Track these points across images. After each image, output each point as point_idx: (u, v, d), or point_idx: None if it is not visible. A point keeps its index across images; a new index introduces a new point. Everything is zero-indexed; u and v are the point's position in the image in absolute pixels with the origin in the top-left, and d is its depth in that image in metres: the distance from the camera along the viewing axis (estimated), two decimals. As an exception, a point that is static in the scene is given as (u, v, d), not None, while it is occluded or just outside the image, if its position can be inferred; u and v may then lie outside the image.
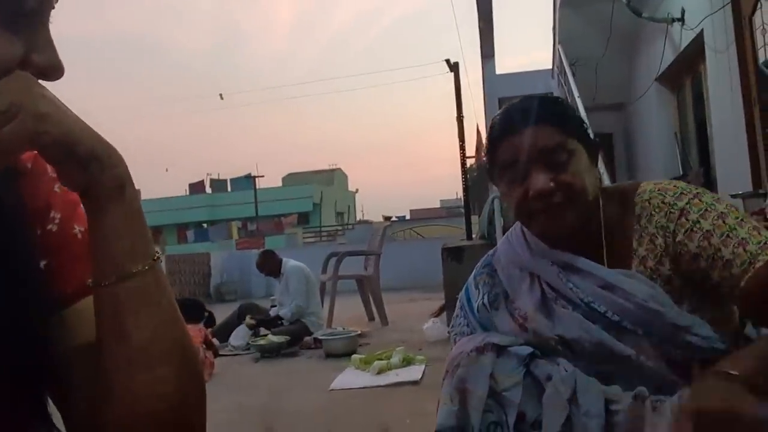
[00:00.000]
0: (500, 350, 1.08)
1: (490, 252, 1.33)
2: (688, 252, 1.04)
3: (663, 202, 1.09)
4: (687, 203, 1.06)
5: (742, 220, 1.01)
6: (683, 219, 1.05)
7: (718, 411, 0.78)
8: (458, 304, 1.34)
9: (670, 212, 1.07)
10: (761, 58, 4.01)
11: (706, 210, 1.04)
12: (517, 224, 1.27)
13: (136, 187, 0.60)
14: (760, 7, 3.92)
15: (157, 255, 0.59)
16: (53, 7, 0.56)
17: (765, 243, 0.97)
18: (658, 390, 1.02)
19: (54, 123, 0.52)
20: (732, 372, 0.82)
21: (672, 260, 1.07)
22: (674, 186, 1.11)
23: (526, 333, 1.15)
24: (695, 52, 5.13)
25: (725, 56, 4.33)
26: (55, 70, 0.55)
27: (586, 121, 1.22)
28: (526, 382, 1.06)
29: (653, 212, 1.09)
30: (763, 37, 3.93)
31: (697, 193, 1.08)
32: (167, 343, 0.58)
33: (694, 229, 1.03)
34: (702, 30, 4.71)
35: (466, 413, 1.06)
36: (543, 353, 1.12)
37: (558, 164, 1.10)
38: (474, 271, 1.34)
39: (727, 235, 0.99)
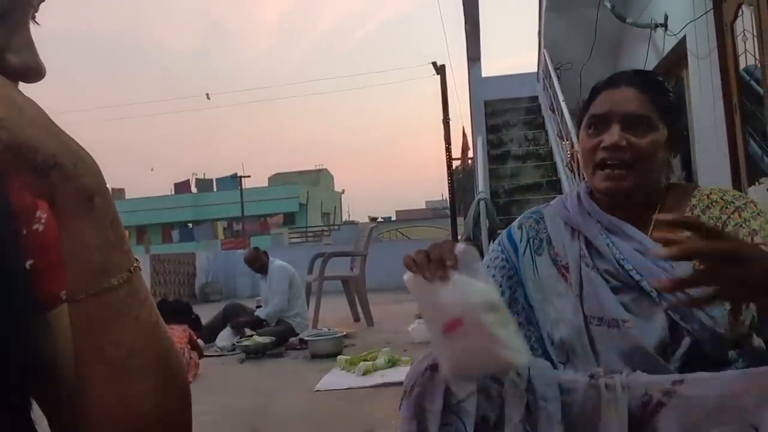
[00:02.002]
0: None
1: (542, 204, 1.42)
2: None
3: (722, 198, 1.19)
4: (744, 204, 1.16)
5: None
6: (736, 215, 1.15)
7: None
8: (496, 242, 1.41)
9: (726, 207, 1.17)
10: (742, 64, 4.08)
11: (758, 214, 1.14)
12: (575, 187, 1.38)
13: (122, 186, 0.57)
14: (742, 14, 3.99)
15: (135, 265, 0.56)
16: (35, 8, 0.54)
17: None
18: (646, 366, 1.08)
19: (5, 127, 0.48)
20: None
21: None
22: (734, 191, 1.22)
23: (566, 282, 1.24)
24: (678, 57, 5.20)
25: (707, 62, 4.39)
26: (33, 72, 0.54)
27: (685, 116, 1.29)
28: (486, 385, 1.07)
29: (710, 205, 1.19)
30: (744, 43, 3.99)
31: (754, 200, 1.19)
32: (146, 358, 0.55)
33: (743, 225, 1.12)
34: (684, 36, 4.77)
35: (426, 430, 1.08)
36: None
37: (637, 130, 1.19)
38: (519, 217, 1.42)
39: None
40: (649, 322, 1.13)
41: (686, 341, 1.10)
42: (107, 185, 0.56)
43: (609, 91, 1.24)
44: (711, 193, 1.20)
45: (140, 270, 0.57)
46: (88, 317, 0.53)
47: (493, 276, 1.33)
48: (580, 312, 1.19)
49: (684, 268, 1.10)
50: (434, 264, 0.98)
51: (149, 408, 0.54)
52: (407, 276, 1.03)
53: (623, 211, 1.23)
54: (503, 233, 1.41)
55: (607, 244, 1.20)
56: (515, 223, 1.40)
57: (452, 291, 0.98)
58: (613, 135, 1.18)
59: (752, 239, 1.08)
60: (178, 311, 4.93)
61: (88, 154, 0.54)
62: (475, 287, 0.97)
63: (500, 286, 1.32)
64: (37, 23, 0.57)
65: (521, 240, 1.34)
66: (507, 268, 1.33)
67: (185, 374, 0.60)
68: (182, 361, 0.60)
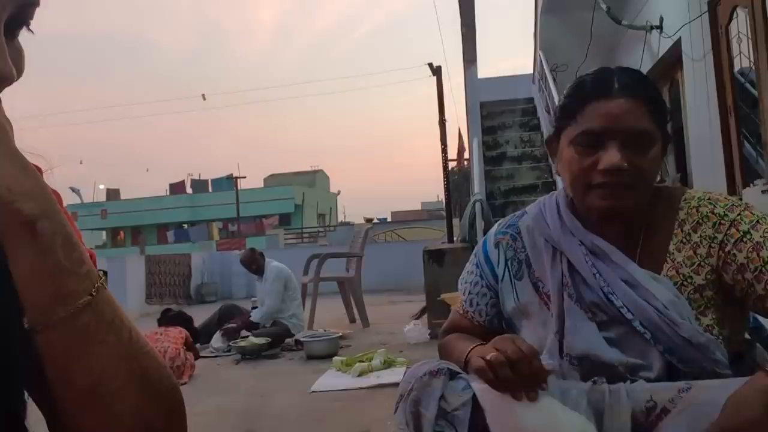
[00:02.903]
0: (453, 374, 1.07)
1: (518, 213, 1.29)
2: (735, 262, 1.02)
3: (713, 213, 1.07)
4: (738, 215, 1.05)
5: None
6: (733, 230, 1.04)
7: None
8: (472, 259, 1.31)
9: (720, 223, 1.05)
10: (737, 67, 4.10)
11: (758, 222, 1.03)
12: (554, 194, 1.25)
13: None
14: (736, 17, 4.00)
15: (97, 286, 0.52)
16: (6, 11, 0.51)
17: None
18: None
19: None
20: None
21: (713, 271, 1.05)
22: (725, 198, 1.09)
23: (549, 311, 1.14)
24: (673, 59, 5.22)
25: (702, 64, 4.41)
26: (3, 79, 0.51)
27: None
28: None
29: (701, 221, 1.07)
30: (739, 45, 4.01)
31: (747, 206, 1.07)
32: (119, 381, 0.51)
33: (744, 239, 1.02)
34: (680, 38, 4.79)
35: None
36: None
37: (638, 148, 1.06)
38: (495, 228, 1.30)
39: None
40: (644, 360, 1.05)
41: (684, 378, 1.02)
42: (57, 205, 0.51)
43: (602, 103, 1.08)
44: (700, 206, 1.09)
45: (105, 288, 0.53)
46: (50, 347, 0.50)
47: (477, 304, 1.27)
48: (557, 350, 1.11)
49: (680, 307, 1.04)
50: (526, 383, 0.91)
51: (130, 426, 0.52)
52: (479, 386, 0.92)
53: (609, 229, 1.13)
54: (479, 249, 1.31)
55: (594, 274, 1.10)
56: (491, 239, 1.28)
57: (539, 417, 0.86)
58: (612, 156, 1.05)
59: (758, 254, 0.99)
60: (176, 318, 4.91)
61: (31, 174, 0.50)
62: (567, 419, 0.86)
63: (486, 314, 1.26)
64: (32, 31, 0.55)
65: (498, 263, 1.24)
66: (489, 295, 1.26)
67: (171, 387, 0.57)
68: (166, 373, 0.56)
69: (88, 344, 0.50)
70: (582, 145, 1.09)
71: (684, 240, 1.09)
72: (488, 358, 0.96)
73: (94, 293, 0.51)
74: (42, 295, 0.49)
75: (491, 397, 0.90)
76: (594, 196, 1.09)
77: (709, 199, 1.10)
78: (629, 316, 1.06)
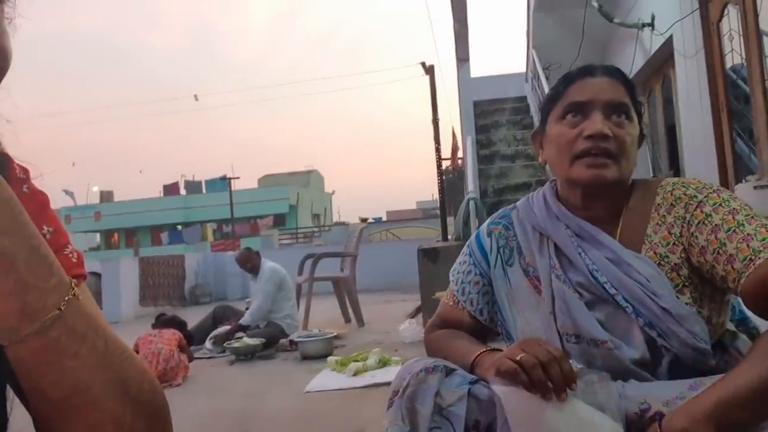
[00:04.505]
0: (449, 371, 1.08)
1: (509, 207, 1.35)
2: (697, 244, 1.06)
3: (685, 194, 1.11)
4: (705, 196, 1.09)
5: (752, 217, 1.03)
6: (698, 211, 1.08)
7: None
8: (464, 250, 1.35)
9: (689, 204, 1.10)
10: (729, 63, 4.11)
11: (720, 205, 1.06)
12: (540, 189, 1.31)
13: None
14: (727, 14, 4.02)
15: (67, 299, 0.50)
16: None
17: None
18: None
19: None
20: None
21: (684, 250, 1.09)
22: (698, 181, 1.14)
23: (539, 295, 1.18)
24: (665, 56, 5.23)
25: (694, 61, 4.42)
26: (2, 57, 0.51)
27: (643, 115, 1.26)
28: (477, 391, 1.05)
29: (674, 203, 1.12)
30: (731, 42, 4.02)
31: (717, 189, 1.10)
32: (94, 391, 0.51)
33: (706, 221, 1.06)
34: (671, 35, 4.80)
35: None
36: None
37: (619, 120, 1.14)
38: (488, 220, 1.36)
39: (734, 231, 1.01)
40: (627, 339, 1.09)
41: (667, 357, 1.06)
42: (21, 217, 0.50)
43: (587, 79, 1.18)
44: (674, 189, 1.14)
45: (78, 298, 0.51)
46: (19, 363, 0.49)
47: (469, 293, 1.29)
48: (554, 329, 1.15)
49: (661, 281, 1.08)
50: (557, 385, 0.92)
51: None
52: (503, 389, 0.91)
53: (592, 211, 1.18)
54: (472, 239, 1.35)
55: (579, 253, 1.15)
56: (484, 228, 1.34)
57: (568, 419, 0.85)
58: (596, 123, 1.13)
59: (716, 236, 1.03)
60: (171, 321, 4.89)
61: None
62: (597, 420, 0.84)
63: (477, 303, 1.29)
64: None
65: (491, 250, 1.29)
66: (481, 283, 1.29)
67: (153, 392, 0.56)
68: (148, 378, 0.56)
69: (59, 358, 0.49)
70: (568, 117, 1.17)
71: (660, 222, 1.13)
72: (519, 359, 0.96)
73: (62, 307, 0.49)
74: (7, 315, 0.47)
75: (518, 400, 0.89)
76: (580, 166, 1.15)
77: (683, 182, 1.15)
78: (612, 291, 1.10)
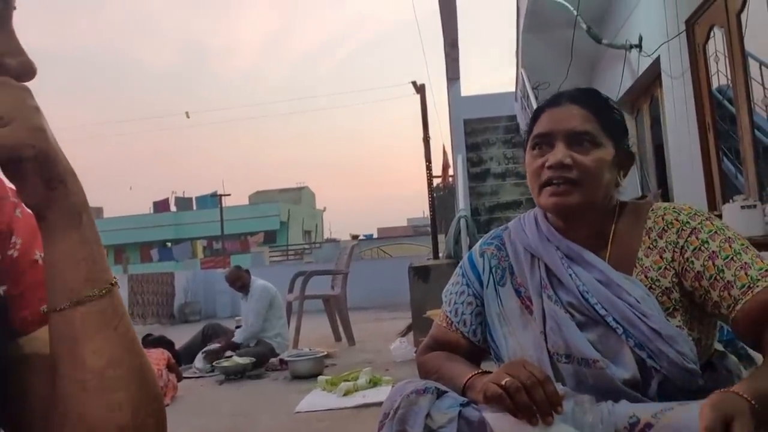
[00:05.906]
0: (440, 393, 1.09)
1: (502, 227, 1.38)
2: (693, 269, 1.08)
3: (677, 220, 1.14)
4: (699, 223, 1.11)
5: (747, 247, 1.07)
6: (693, 237, 1.10)
7: None
8: (457, 271, 1.37)
9: (682, 229, 1.12)
10: (715, 84, 4.18)
11: (716, 232, 1.09)
12: (531, 210, 1.33)
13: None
14: (713, 36, 4.09)
15: (114, 281, 0.58)
16: (14, 8, 0.56)
17: (766, 270, 1.02)
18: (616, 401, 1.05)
19: (43, 138, 0.52)
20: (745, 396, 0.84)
21: (677, 274, 1.11)
22: (689, 207, 1.17)
23: (531, 315, 1.20)
24: (652, 77, 5.31)
25: (680, 82, 4.49)
26: (29, 72, 0.56)
27: (631, 135, 1.27)
28: (467, 413, 1.05)
29: (666, 227, 1.14)
30: (717, 63, 4.09)
31: (710, 216, 1.14)
32: (123, 370, 0.56)
33: (702, 248, 1.08)
34: (659, 56, 4.88)
35: None
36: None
37: (582, 147, 1.17)
38: (480, 240, 1.38)
39: (732, 258, 1.05)
40: (618, 360, 1.10)
41: (657, 378, 1.07)
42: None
43: (551, 110, 1.22)
44: (666, 214, 1.16)
45: (119, 287, 0.59)
46: (70, 327, 0.55)
47: (462, 314, 1.30)
48: (545, 349, 1.16)
49: (650, 302, 1.09)
50: (542, 408, 0.93)
51: (126, 418, 0.56)
52: (492, 415, 0.93)
53: (578, 234, 1.21)
54: (465, 260, 1.37)
55: (570, 275, 1.17)
56: (477, 249, 1.36)
57: None
58: (557, 154, 1.16)
59: (713, 263, 1.05)
60: (158, 341, 4.86)
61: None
62: None
63: (470, 324, 1.29)
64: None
65: (484, 270, 1.30)
66: (474, 304, 1.30)
67: (160, 394, 0.61)
68: (157, 381, 0.61)
69: (103, 329, 0.56)
70: (534, 148, 1.22)
71: (651, 246, 1.15)
72: (503, 383, 0.96)
73: (113, 284, 0.58)
74: (74, 277, 0.55)
75: (505, 425, 0.91)
76: (545, 194, 1.19)
77: (674, 208, 1.17)
78: (602, 312, 1.11)
